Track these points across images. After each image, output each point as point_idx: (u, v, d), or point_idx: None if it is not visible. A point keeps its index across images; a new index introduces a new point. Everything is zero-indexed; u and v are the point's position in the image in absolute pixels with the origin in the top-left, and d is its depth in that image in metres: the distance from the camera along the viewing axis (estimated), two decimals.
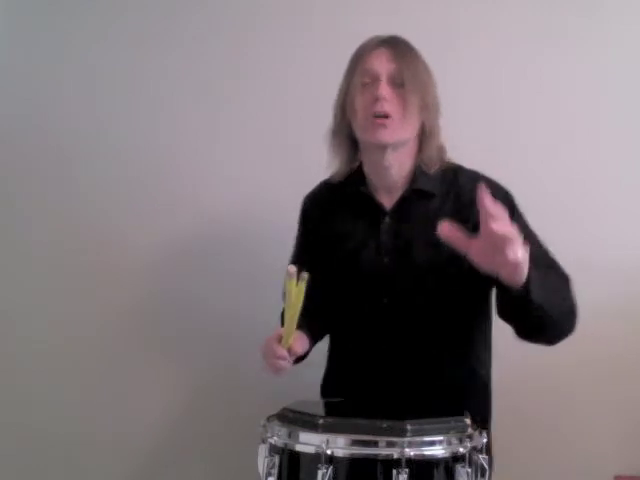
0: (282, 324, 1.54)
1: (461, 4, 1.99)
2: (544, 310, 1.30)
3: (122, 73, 2.12)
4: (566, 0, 1.96)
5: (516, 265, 1.17)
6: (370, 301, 1.49)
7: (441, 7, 2.00)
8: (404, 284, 1.47)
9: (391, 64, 1.44)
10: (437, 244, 1.29)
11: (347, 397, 1.50)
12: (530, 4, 1.96)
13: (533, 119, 1.95)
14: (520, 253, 1.15)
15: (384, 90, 1.42)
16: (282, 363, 1.41)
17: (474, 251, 1.19)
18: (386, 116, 1.42)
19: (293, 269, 1.34)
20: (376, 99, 1.42)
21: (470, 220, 1.36)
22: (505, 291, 1.26)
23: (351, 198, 1.55)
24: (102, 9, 2.14)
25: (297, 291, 1.36)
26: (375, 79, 1.44)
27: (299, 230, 1.67)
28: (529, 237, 1.38)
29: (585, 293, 1.90)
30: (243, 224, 2.06)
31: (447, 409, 1.38)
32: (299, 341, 1.44)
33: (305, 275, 1.34)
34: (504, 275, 1.21)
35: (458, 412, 1.35)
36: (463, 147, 1.93)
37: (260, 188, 2.02)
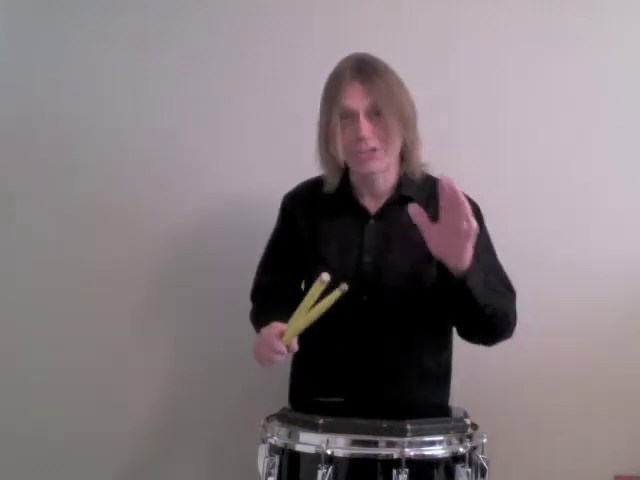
0: (265, 317, 1.55)
1: (461, 4, 1.99)
2: (478, 303, 1.39)
3: (122, 73, 2.12)
4: (566, 0, 1.96)
5: (468, 237, 1.29)
6: (350, 298, 1.51)
7: (441, 7, 2.00)
8: (383, 283, 1.55)
9: (366, 99, 1.47)
10: (416, 247, 1.43)
11: (322, 396, 1.51)
12: (530, 4, 1.96)
13: (533, 119, 1.95)
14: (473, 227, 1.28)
15: (365, 130, 1.46)
16: (279, 358, 1.45)
17: (431, 235, 1.34)
18: (373, 149, 1.48)
19: (327, 277, 1.36)
20: (359, 139, 1.47)
21: None
22: (447, 280, 1.38)
23: (335, 200, 1.61)
24: (102, 9, 2.14)
25: (326, 301, 1.38)
26: (353, 116, 1.47)
27: (277, 227, 1.71)
28: (490, 252, 1.56)
29: (586, 294, 1.92)
30: (242, 224, 2.06)
31: (421, 400, 1.51)
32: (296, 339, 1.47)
33: (345, 286, 1.37)
34: (451, 260, 1.35)
35: (430, 402, 1.48)
36: (463, 147, 1.94)
37: (260, 188, 2.02)
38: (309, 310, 1.41)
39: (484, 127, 1.96)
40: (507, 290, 1.55)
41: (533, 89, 1.95)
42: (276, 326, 1.45)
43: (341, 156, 1.50)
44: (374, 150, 1.48)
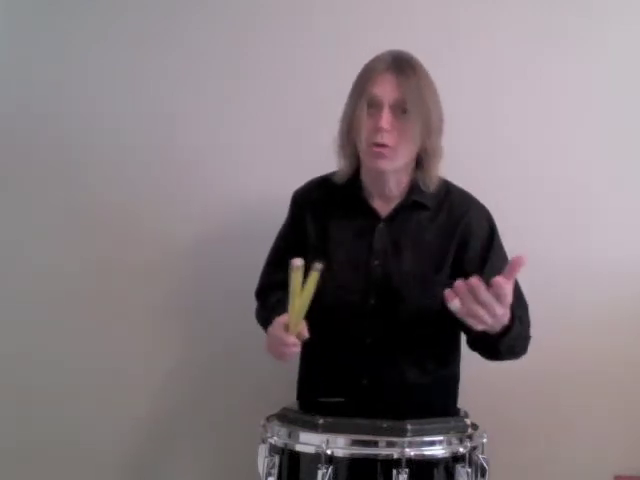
0: (270, 314, 1.54)
1: (461, 4, 1.99)
2: (503, 352, 1.46)
3: (122, 73, 2.12)
4: (566, 0, 1.96)
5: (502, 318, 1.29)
6: (357, 301, 1.53)
7: (441, 7, 1.99)
8: (392, 287, 1.53)
9: (395, 92, 1.45)
10: (426, 253, 1.50)
11: (328, 396, 1.51)
12: (530, 4, 1.96)
13: (533, 119, 1.95)
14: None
15: (385, 122, 1.44)
16: (293, 349, 1.43)
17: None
18: (384, 145, 1.46)
19: (298, 262, 1.34)
20: (378, 129, 1.44)
21: (455, 238, 1.53)
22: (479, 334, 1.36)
23: (346, 200, 1.59)
24: (102, 9, 2.14)
25: (310, 281, 1.36)
26: (379, 105, 1.45)
27: (286, 225, 1.70)
28: (503, 261, 1.52)
29: (586, 293, 1.92)
30: (242, 223, 2.06)
31: (429, 406, 1.47)
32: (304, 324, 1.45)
33: (319, 266, 1.34)
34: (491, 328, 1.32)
35: (440, 409, 1.46)
36: (463, 147, 1.94)
37: (260, 188, 2.02)
38: (299, 295, 1.38)
39: (484, 127, 1.96)
40: (524, 313, 1.53)
41: (533, 89, 1.95)
42: (278, 320, 1.44)
43: (363, 145, 1.47)
44: (385, 147, 1.46)
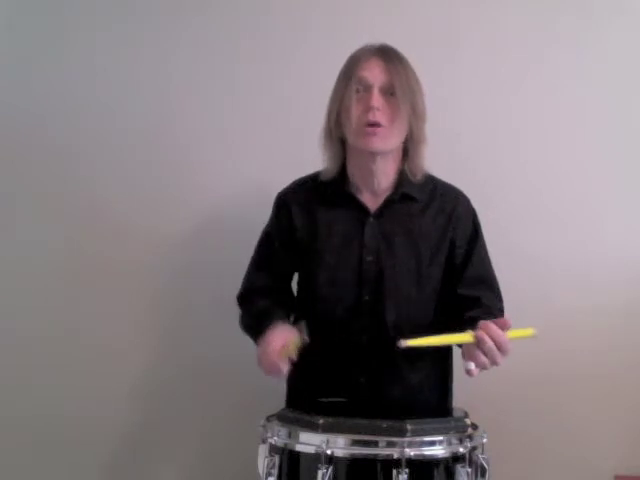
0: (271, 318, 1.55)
1: (461, 4, 1.99)
2: None
3: (122, 73, 2.12)
4: (566, 0, 1.96)
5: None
6: (351, 299, 1.54)
7: (441, 7, 2.00)
8: (385, 282, 1.53)
9: (384, 74, 1.49)
10: (417, 245, 1.52)
11: (326, 396, 1.50)
12: (530, 4, 1.96)
13: (533, 119, 1.95)
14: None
15: (377, 101, 1.47)
16: (284, 372, 1.46)
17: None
18: (378, 125, 1.47)
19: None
20: (369, 109, 1.47)
21: (449, 230, 1.55)
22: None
23: (333, 198, 1.59)
24: (102, 9, 2.14)
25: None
26: (368, 88, 1.49)
27: (271, 227, 1.68)
28: (482, 258, 1.58)
29: (586, 294, 1.92)
30: (243, 224, 2.05)
31: (422, 401, 1.51)
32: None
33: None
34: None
35: (437, 405, 1.51)
36: (463, 147, 1.94)
37: (259, 188, 2.02)
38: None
39: (484, 127, 1.95)
40: (497, 300, 1.58)
41: (533, 89, 1.95)
42: (274, 345, 1.45)
43: (353, 127, 1.49)
44: (378, 126, 1.47)
